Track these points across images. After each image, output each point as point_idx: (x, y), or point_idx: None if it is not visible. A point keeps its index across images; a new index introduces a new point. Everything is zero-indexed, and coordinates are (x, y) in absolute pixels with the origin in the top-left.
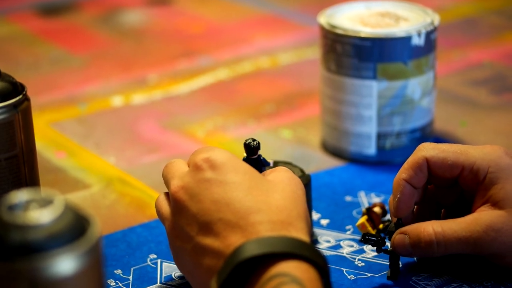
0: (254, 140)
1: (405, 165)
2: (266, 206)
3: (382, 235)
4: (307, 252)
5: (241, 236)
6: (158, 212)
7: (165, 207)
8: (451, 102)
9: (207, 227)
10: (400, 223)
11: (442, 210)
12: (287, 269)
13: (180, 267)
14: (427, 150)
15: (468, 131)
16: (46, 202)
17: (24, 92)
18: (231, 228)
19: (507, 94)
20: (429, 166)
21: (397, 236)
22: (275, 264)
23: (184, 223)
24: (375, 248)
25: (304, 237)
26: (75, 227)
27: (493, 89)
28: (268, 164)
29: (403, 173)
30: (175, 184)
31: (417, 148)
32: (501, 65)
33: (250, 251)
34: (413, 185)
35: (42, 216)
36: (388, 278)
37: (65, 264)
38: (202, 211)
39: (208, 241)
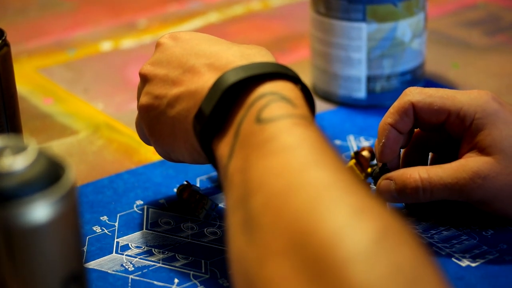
0: None
1: (391, 109)
2: (235, 46)
3: (370, 180)
4: (290, 71)
5: (217, 71)
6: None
7: (140, 99)
8: (443, 43)
9: (178, 79)
10: (385, 168)
11: (431, 154)
12: (274, 88)
13: (160, 144)
14: (413, 94)
15: (460, 73)
16: (19, 149)
17: (3, 38)
18: (205, 69)
19: (500, 35)
20: (415, 111)
21: (382, 181)
22: (260, 85)
23: (155, 89)
24: None
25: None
26: (49, 173)
27: (487, 30)
28: None
29: (388, 117)
30: (142, 67)
31: (403, 93)
32: (495, 6)
33: (235, 76)
34: (398, 130)
35: (15, 163)
36: None
37: (39, 211)
38: (172, 69)
39: (182, 88)
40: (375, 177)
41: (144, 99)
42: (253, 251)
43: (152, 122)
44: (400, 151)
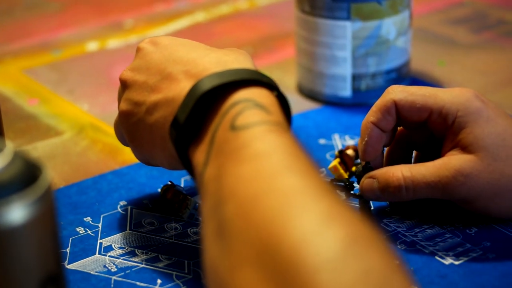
0: None
1: (374, 107)
2: (213, 53)
3: (353, 178)
4: (265, 78)
5: (193, 78)
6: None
7: (120, 105)
8: (429, 41)
9: (157, 86)
10: (369, 166)
11: (415, 153)
12: (248, 95)
13: (139, 150)
14: (395, 93)
15: (445, 71)
16: None
17: None
18: (182, 76)
19: (486, 32)
20: (398, 109)
21: (365, 180)
22: (235, 92)
23: (134, 95)
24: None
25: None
26: (25, 175)
27: (473, 27)
28: None
29: (371, 116)
30: (122, 73)
31: (386, 91)
32: (482, 3)
33: (209, 83)
34: (381, 128)
35: None
36: None
37: (15, 212)
38: (151, 75)
39: (160, 95)
40: (358, 175)
41: (124, 105)
42: (225, 260)
43: (131, 129)
44: (383, 149)
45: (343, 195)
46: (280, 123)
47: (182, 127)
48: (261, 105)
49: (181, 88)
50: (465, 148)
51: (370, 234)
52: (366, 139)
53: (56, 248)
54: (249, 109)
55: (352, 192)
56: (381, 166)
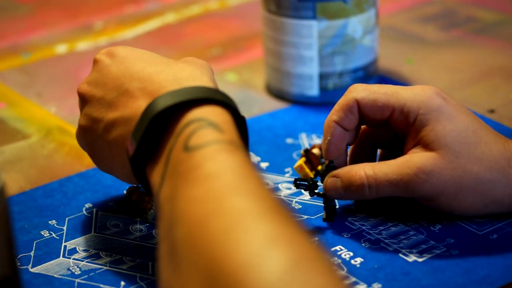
0: None
1: (336, 106)
2: (169, 68)
3: (318, 178)
4: (219, 96)
5: (149, 96)
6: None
7: (79, 119)
8: (398, 39)
9: (114, 103)
10: (332, 165)
11: (379, 151)
12: (201, 114)
13: (99, 165)
14: (357, 91)
15: (413, 68)
16: None
17: None
18: (139, 93)
19: (455, 30)
20: (360, 108)
21: (329, 179)
22: (189, 111)
23: (92, 111)
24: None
25: (211, 85)
26: None
27: (442, 25)
28: None
29: (333, 114)
30: (79, 86)
31: (348, 90)
32: (451, 1)
33: (163, 103)
34: (344, 127)
35: None
36: (324, 220)
37: None
38: (108, 91)
39: (117, 113)
40: (322, 174)
41: (83, 121)
42: (177, 283)
43: (91, 144)
44: (347, 148)
45: (306, 194)
46: (233, 142)
47: (138, 147)
48: (214, 123)
49: (137, 106)
50: (427, 146)
51: (315, 255)
52: (328, 138)
53: (9, 252)
54: (202, 128)
55: (316, 191)
56: (345, 164)
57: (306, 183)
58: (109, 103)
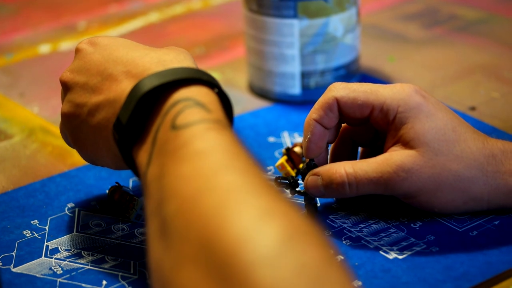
0: None
1: (316, 105)
2: (153, 52)
3: (299, 176)
4: (204, 76)
5: (134, 78)
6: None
7: (62, 107)
8: (380, 38)
9: (98, 87)
10: (313, 163)
11: (361, 149)
12: (188, 94)
13: (84, 153)
14: (337, 90)
15: (395, 67)
16: None
17: None
18: (123, 77)
19: (437, 28)
20: (340, 106)
21: (309, 177)
22: (176, 92)
23: (75, 97)
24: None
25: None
26: None
27: (424, 23)
28: None
29: (313, 113)
30: (62, 74)
31: (328, 88)
32: None
33: (149, 84)
34: (324, 125)
35: None
36: None
37: None
38: (91, 77)
39: (101, 97)
40: (303, 173)
41: (66, 107)
42: (169, 258)
43: (75, 131)
44: (328, 146)
45: (287, 192)
46: (220, 121)
47: (125, 128)
48: (201, 103)
49: (122, 89)
50: (406, 144)
51: (308, 229)
52: (309, 136)
53: None
54: (189, 108)
55: (297, 189)
56: (326, 163)
57: (287, 181)
58: (93, 88)
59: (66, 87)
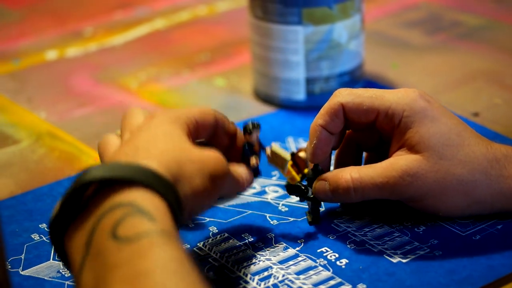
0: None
1: (322, 111)
2: (145, 133)
3: (304, 181)
4: (153, 181)
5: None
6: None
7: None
8: (383, 44)
9: None
10: (318, 169)
11: (365, 154)
12: (131, 197)
13: None
14: (342, 96)
15: (399, 73)
16: None
17: None
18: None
19: (440, 34)
20: (345, 112)
21: (317, 183)
22: (118, 192)
23: None
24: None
25: (156, 166)
26: None
27: (427, 29)
28: (263, 147)
29: (319, 119)
30: None
31: (333, 94)
32: (437, 5)
33: (92, 175)
34: (329, 131)
35: None
36: (310, 223)
37: None
38: None
39: None
40: (309, 178)
41: None
42: None
43: None
44: (332, 152)
45: (297, 197)
46: (165, 232)
47: (59, 212)
48: (145, 211)
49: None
50: (411, 148)
51: None
52: (315, 142)
53: None
54: (132, 216)
55: (308, 195)
56: (329, 168)
57: (299, 191)
58: None
59: None
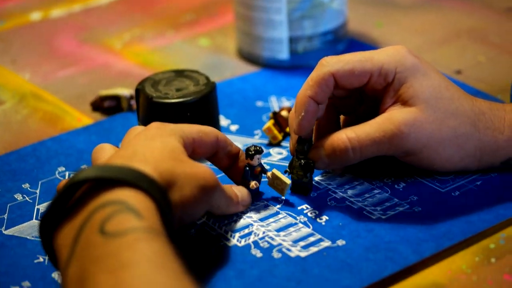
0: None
1: (310, 81)
2: (145, 143)
3: (289, 177)
4: (144, 183)
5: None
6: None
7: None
8: (368, 3)
9: None
10: (302, 139)
11: (342, 118)
12: (121, 196)
13: None
14: (331, 64)
15: (383, 32)
16: None
17: None
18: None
19: None
20: (336, 80)
21: (312, 151)
22: (110, 191)
23: None
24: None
25: (149, 170)
26: None
27: None
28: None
29: (308, 90)
30: None
31: (320, 64)
32: None
33: (85, 174)
34: (317, 102)
35: None
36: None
37: None
38: None
39: None
40: (297, 149)
41: None
42: None
43: None
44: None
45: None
46: (152, 229)
47: (51, 207)
48: (134, 209)
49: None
50: (405, 102)
51: None
52: (302, 113)
53: None
54: (120, 213)
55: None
56: (311, 137)
57: (304, 190)
58: None
59: None
